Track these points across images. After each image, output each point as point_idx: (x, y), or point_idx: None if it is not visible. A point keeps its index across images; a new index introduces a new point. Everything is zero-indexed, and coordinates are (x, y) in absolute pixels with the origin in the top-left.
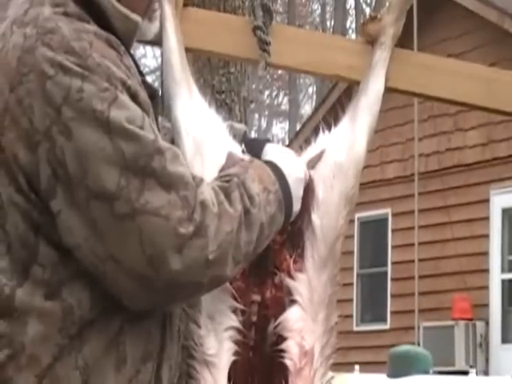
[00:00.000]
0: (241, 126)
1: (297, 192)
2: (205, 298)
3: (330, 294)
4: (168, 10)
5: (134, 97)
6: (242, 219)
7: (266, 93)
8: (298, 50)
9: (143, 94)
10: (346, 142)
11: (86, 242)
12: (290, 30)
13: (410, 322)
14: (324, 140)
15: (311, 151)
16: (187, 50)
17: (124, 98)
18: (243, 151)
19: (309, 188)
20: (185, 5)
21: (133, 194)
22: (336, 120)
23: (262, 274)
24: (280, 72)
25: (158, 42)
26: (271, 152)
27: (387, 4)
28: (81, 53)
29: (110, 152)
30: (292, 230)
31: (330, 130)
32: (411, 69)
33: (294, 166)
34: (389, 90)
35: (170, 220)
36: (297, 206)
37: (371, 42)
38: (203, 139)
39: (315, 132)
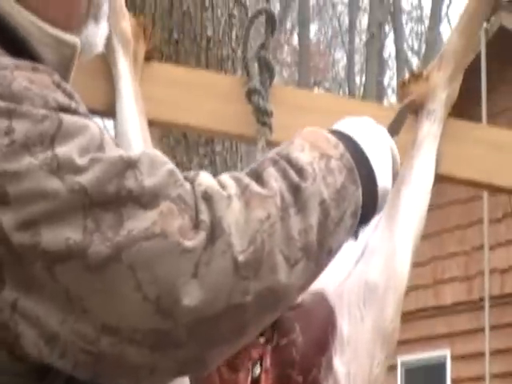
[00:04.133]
0: None
1: (379, 157)
2: None
3: None
4: (123, 64)
5: (85, 117)
6: (288, 199)
7: None
8: (310, 122)
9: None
10: (382, 254)
11: (63, 326)
12: (298, 94)
13: None
14: (344, 250)
15: None
16: (152, 123)
17: (69, 118)
18: None
19: (328, 320)
20: (147, 58)
21: (109, 233)
22: None
23: None
24: None
25: (109, 110)
26: None
27: (438, 55)
28: (0, 81)
29: (64, 196)
30: (304, 382)
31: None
32: (473, 148)
33: (367, 128)
34: (441, 179)
35: (168, 236)
36: (384, 179)
37: (415, 110)
38: None
39: None
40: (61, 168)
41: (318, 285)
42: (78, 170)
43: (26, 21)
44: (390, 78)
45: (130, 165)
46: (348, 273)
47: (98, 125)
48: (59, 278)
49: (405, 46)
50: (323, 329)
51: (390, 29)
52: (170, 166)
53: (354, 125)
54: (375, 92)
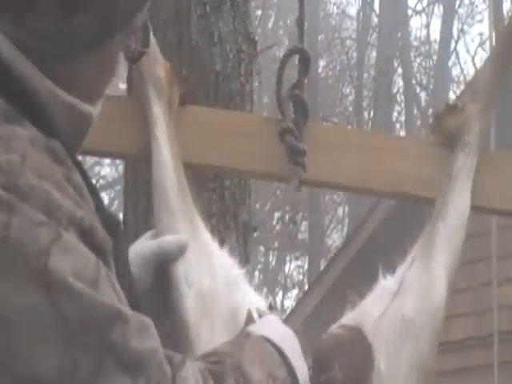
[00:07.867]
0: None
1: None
2: None
3: None
4: (158, 110)
5: (87, 235)
6: None
7: (276, 215)
8: (342, 159)
9: (101, 230)
10: (419, 289)
11: None
12: (330, 131)
13: None
14: (382, 286)
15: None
16: (187, 166)
17: (70, 238)
18: (271, 306)
19: (366, 357)
20: (182, 102)
21: (82, 382)
22: (388, 258)
23: None
24: None
25: (141, 154)
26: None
27: (469, 87)
28: (8, 168)
29: (49, 319)
30: None
31: (378, 271)
32: (509, 178)
33: (286, 336)
34: (477, 211)
35: None
36: None
37: (449, 142)
38: (213, 294)
39: (352, 273)
40: (51, 285)
41: (356, 321)
42: (70, 295)
43: (44, 87)
44: (399, 113)
45: (120, 317)
46: (385, 309)
47: (98, 259)
48: None
49: (413, 81)
50: (361, 365)
51: (398, 64)
52: (158, 344)
53: (272, 328)
54: (383, 127)
